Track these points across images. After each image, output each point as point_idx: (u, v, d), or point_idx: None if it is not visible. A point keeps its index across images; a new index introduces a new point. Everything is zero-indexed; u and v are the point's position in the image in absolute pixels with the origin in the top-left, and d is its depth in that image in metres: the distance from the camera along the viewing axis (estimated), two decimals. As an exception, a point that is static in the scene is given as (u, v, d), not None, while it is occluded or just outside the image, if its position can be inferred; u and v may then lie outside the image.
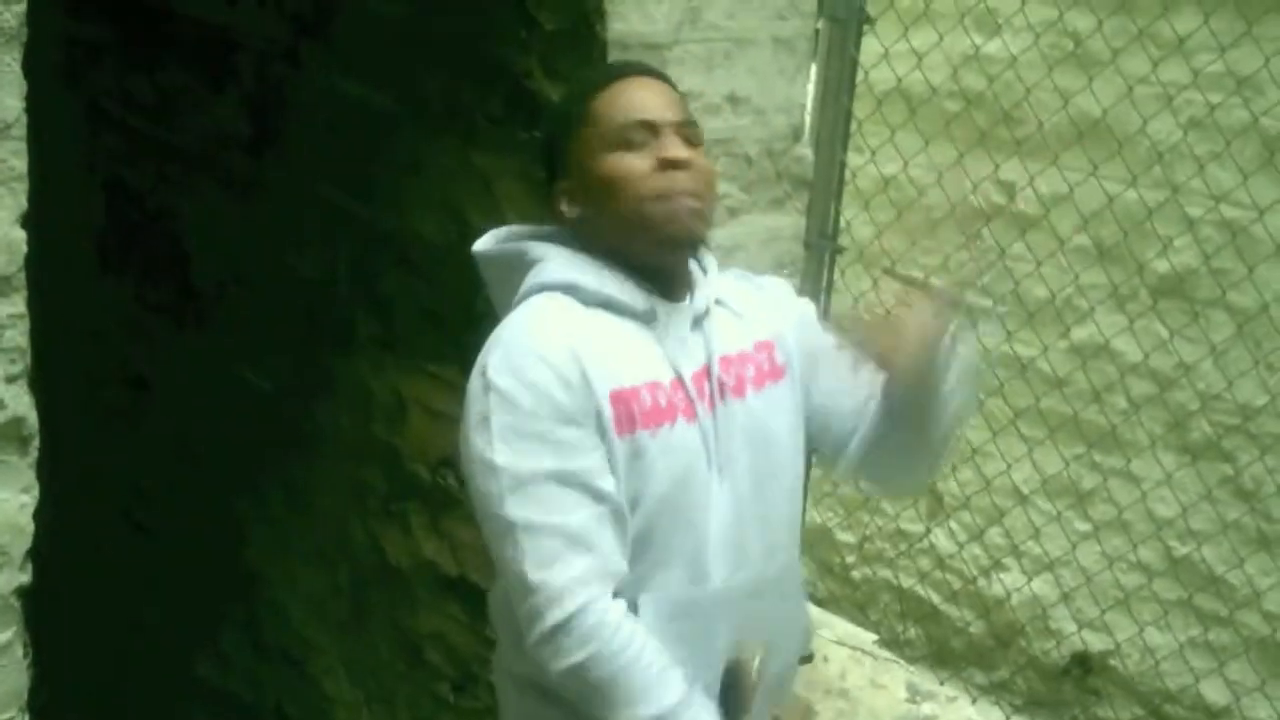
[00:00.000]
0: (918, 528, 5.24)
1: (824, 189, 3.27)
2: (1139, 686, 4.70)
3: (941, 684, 4.07)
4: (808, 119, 3.15)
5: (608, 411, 2.06)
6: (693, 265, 2.26)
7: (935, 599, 5.21)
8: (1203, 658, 4.51)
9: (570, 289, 2.14)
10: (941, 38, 4.41)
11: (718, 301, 2.26)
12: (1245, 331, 4.30)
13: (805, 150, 2.96)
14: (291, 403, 3.34)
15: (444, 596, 3.01)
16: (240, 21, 3.24)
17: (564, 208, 2.19)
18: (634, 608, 2.08)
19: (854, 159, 3.61)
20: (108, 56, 3.64)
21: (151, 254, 3.68)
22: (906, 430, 2.31)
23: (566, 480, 2.02)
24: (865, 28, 3.38)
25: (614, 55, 2.54)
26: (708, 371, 2.20)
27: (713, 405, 2.19)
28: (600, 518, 2.04)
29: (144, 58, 3.54)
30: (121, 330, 3.85)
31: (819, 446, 2.40)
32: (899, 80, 4.19)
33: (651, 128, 2.14)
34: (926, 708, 4.02)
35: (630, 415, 2.08)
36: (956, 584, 5.16)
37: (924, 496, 5.22)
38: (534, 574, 2.00)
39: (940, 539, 5.18)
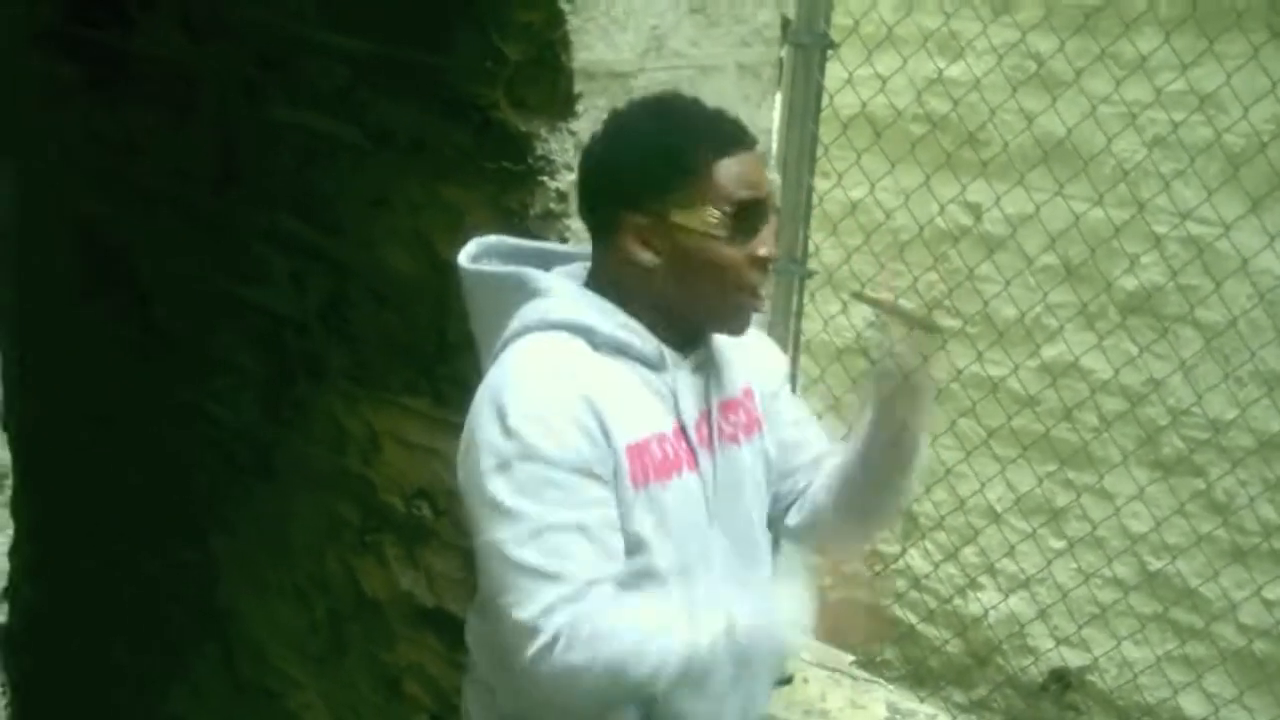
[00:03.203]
0: (893, 549, 5.25)
1: (791, 214, 3.29)
2: (1117, 701, 4.72)
3: (921, 702, 4.08)
4: (774, 144, 3.17)
5: (625, 465, 2.05)
6: None
7: (912, 619, 5.22)
8: (1180, 671, 4.53)
9: (583, 331, 2.10)
10: (905, 61, 4.44)
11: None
12: (1213, 346, 4.33)
13: (772, 175, 2.98)
14: (263, 438, 3.34)
15: (421, 628, 3.01)
16: (204, 58, 3.25)
17: (634, 247, 2.10)
18: None
19: (821, 184, 3.63)
20: (78, 97, 3.64)
21: (119, 292, 3.68)
22: (883, 475, 2.34)
23: (586, 533, 2.00)
24: (829, 53, 3.40)
25: (580, 85, 2.54)
26: (708, 418, 2.20)
27: (713, 453, 2.19)
28: (609, 573, 2.02)
29: (111, 97, 3.54)
30: (91, 368, 3.84)
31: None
32: (864, 104, 4.21)
33: (760, 211, 2.10)
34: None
35: (645, 468, 2.07)
36: (933, 603, 5.17)
37: (899, 518, 5.24)
38: (539, 620, 1.97)
39: (916, 559, 5.20)
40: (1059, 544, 4.77)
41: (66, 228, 3.83)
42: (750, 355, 2.33)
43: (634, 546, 2.07)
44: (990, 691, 5.07)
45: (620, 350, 2.11)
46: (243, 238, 3.25)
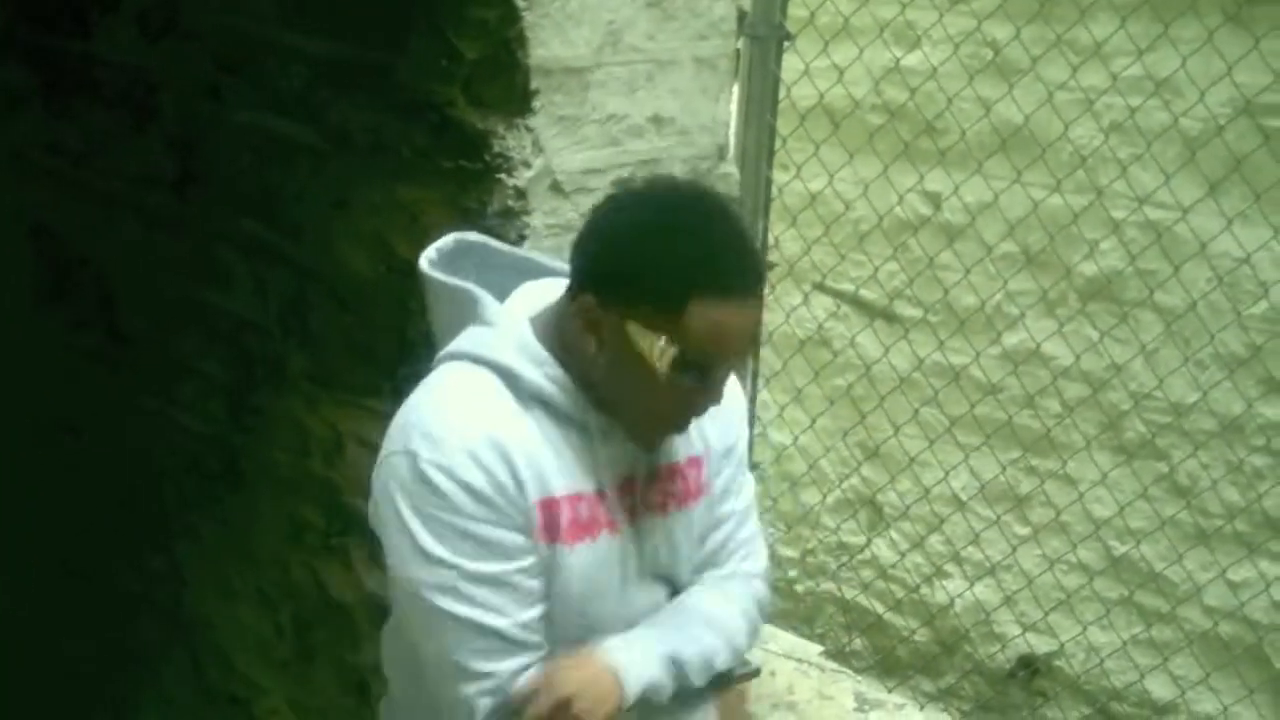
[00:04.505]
0: (859, 539, 5.26)
1: (751, 206, 3.30)
2: (1085, 686, 4.74)
3: (889, 692, 4.09)
4: (732, 137, 3.16)
5: (535, 518, 1.98)
6: None
7: (879, 609, 5.23)
8: (1147, 654, 4.55)
9: (508, 377, 2.00)
10: (861, 52, 4.45)
11: None
12: (1174, 330, 4.35)
13: (731, 168, 2.97)
14: (228, 443, 3.33)
15: (388, 630, 3.01)
16: (161, 61, 3.23)
17: (581, 326, 1.97)
18: None
19: (780, 176, 3.64)
20: (32, 102, 3.61)
21: (79, 298, 3.66)
22: None
23: (502, 583, 1.96)
24: (786, 45, 3.41)
25: (537, 82, 2.54)
26: (631, 487, 2.11)
27: (634, 519, 2.11)
28: (533, 619, 2.00)
29: (67, 102, 3.52)
30: (53, 376, 3.82)
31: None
32: (821, 96, 4.22)
33: (719, 366, 1.97)
34: (875, 716, 4.03)
35: (555, 525, 2.00)
36: (899, 593, 5.18)
37: (864, 508, 5.25)
38: (474, 663, 1.96)
39: (882, 549, 5.21)
40: (1024, 530, 4.79)
41: (25, 236, 3.80)
42: (716, 420, 2.18)
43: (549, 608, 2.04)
44: (958, 679, 5.09)
45: (544, 403, 2.02)
46: (204, 241, 3.24)
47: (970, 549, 4.89)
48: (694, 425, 2.11)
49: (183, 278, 3.32)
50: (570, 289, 2.01)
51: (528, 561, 1.98)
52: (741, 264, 1.95)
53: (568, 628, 2.06)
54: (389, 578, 2.04)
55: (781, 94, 3.42)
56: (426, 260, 2.17)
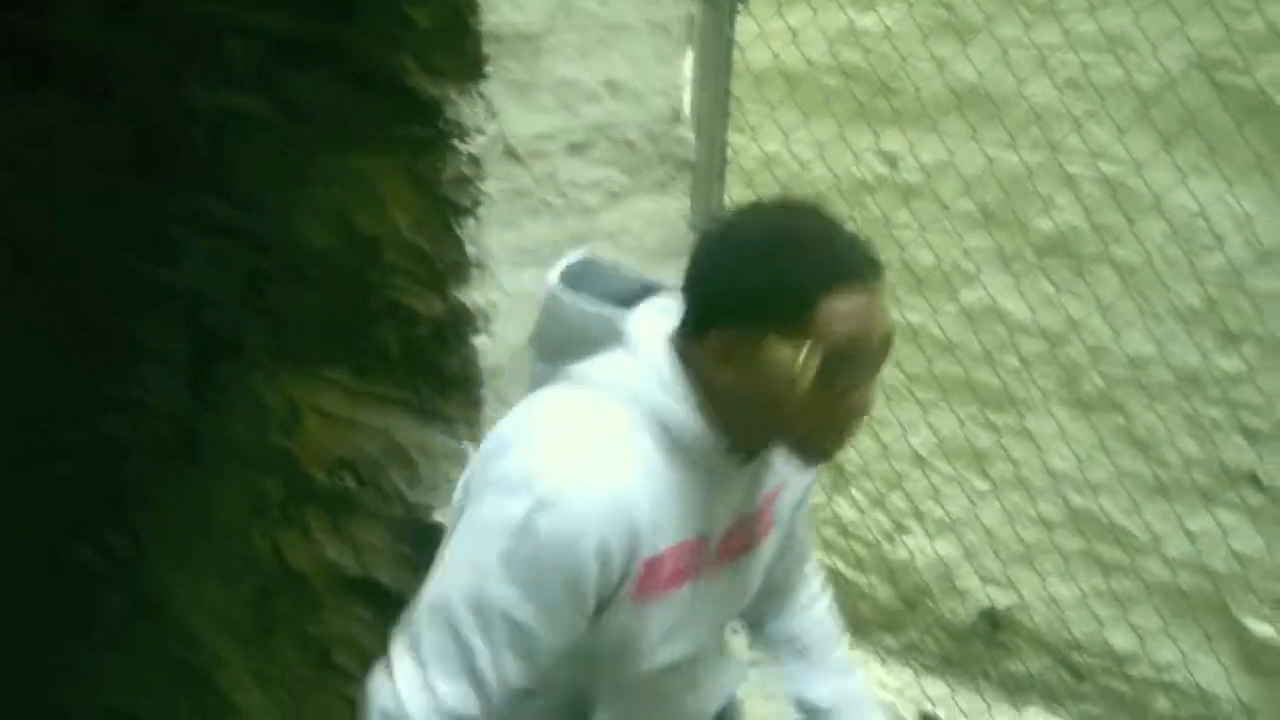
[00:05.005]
0: (820, 498, 5.28)
1: (707, 170, 3.29)
2: (1047, 638, 4.77)
3: (851, 649, 4.11)
4: (686, 101, 3.16)
5: (634, 575, 1.93)
6: None
7: (841, 566, 5.25)
8: (1107, 606, 4.59)
9: (653, 417, 1.94)
10: (815, 13, 4.44)
11: None
12: (1130, 284, 4.37)
13: (686, 132, 2.97)
14: (189, 419, 3.32)
15: (349, 599, 3.00)
16: (118, 41, 3.20)
17: (712, 362, 1.93)
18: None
19: (736, 139, 3.63)
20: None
21: (38, 280, 3.63)
22: None
23: (523, 641, 1.91)
24: (740, 8, 3.40)
25: (489, 48, 2.53)
26: (732, 531, 2.08)
27: (720, 567, 2.09)
28: (515, 693, 1.96)
29: (29, 87, 3.49)
30: (16, 361, 3.79)
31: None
32: (775, 58, 4.21)
33: (864, 361, 1.93)
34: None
35: (654, 582, 1.96)
36: (862, 551, 5.21)
37: (826, 468, 5.27)
38: (434, 677, 1.93)
39: (843, 508, 5.23)
40: (984, 486, 4.82)
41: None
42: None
43: (583, 654, 2.01)
44: (921, 635, 5.12)
45: (683, 448, 1.96)
46: (162, 221, 3.22)
47: (931, 505, 4.91)
48: (768, 464, 2.10)
49: (141, 257, 3.31)
50: (691, 329, 1.96)
51: (565, 640, 1.95)
52: (859, 255, 1.95)
53: (619, 660, 2.04)
54: (436, 574, 2.00)
55: (736, 57, 3.41)
56: (557, 276, 2.12)
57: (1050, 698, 4.77)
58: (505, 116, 2.58)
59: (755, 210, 2.06)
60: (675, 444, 1.95)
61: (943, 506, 4.82)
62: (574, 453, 1.91)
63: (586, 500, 1.86)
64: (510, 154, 2.60)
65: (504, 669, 1.92)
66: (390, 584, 2.88)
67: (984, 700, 4.77)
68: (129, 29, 3.18)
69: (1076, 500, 4.62)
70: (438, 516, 2.74)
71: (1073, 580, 4.64)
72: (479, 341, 2.64)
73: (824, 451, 2.02)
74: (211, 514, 3.32)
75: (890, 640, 5.18)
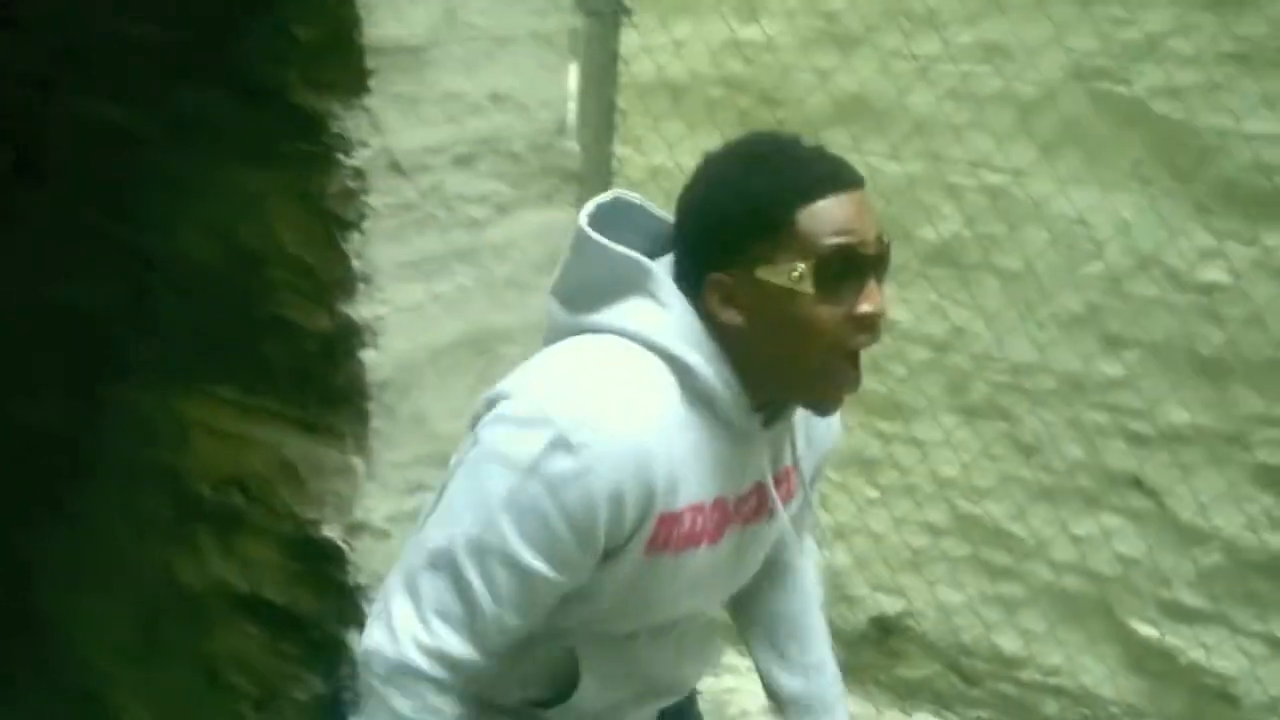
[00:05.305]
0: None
1: (593, 182, 3.31)
2: (937, 644, 4.81)
3: (741, 656, 4.13)
4: (571, 112, 3.17)
5: (647, 531, 1.90)
6: None
7: (735, 576, 5.26)
8: (995, 610, 4.63)
9: (684, 372, 1.90)
10: (698, 25, 4.46)
11: None
12: (1013, 292, 4.42)
13: (571, 144, 2.98)
14: (70, 435, 3.28)
15: (239, 616, 2.98)
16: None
17: (718, 307, 1.89)
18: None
19: (622, 150, 3.65)
20: None
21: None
22: None
23: (525, 583, 1.89)
24: (624, 20, 3.41)
25: (373, 61, 2.53)
26: (753, 494, 2.05)
27: (741, 530, 2.06)
28: (515, 627, 1.94)
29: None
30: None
31: None
32: (660, 70, 4.23)
33: (859, 262, 1.88)
34: (728, 679, 4.08)
35: (667, 538, 1.93)
36: (754, 559, 5.22)
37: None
38: (431, 621, 1.91)
39: (735, 517, 5.24)
40: (873, 493, 4.85)
41: None
42: (815, 427, 2.18)
43: (584, 598, 1.98)
44: (814, 642, 5.14)
45: (708, 404, 1.92)
46: (43, 234, 3.18)
47: (820, 514, 4.94)
48: (798, 427, 2.10)
49: (19, 270, 3.27)
50: (691, 285, 1.93)
51: (570, 581, 1.92)
52: (829, 165, 1.92)
53: (619, 612, 2.03)
54: (435, 510, 1.96)
55: (621, 69, 3.42)
56: (586, 217, 2.04)
57: (941, 703, 4.81)
58: (390, 130, 2.58)
59: (717, 153, 2.02)
60: (700, 400, 1.91)
61: (832, 515, 4.85)
62: (597, 399, 1.86)
63: (606, 444, 1.82)
64: (395, 168, 2.60)
65: (503, 612, 1.90)
66: (280, 601, 2.87)
67: (875, 707, 4.80)
68: (4, 39, 3.14)
69: (964, 506, 4.66)
70: (326, 532, 2.73)
71: (961, 586, 4.68)
72: (366, 356, 2.64)
73: (839, 384, 1.94)
74: (98, 533, 3.28)
75: (783, 648, 5.20)
